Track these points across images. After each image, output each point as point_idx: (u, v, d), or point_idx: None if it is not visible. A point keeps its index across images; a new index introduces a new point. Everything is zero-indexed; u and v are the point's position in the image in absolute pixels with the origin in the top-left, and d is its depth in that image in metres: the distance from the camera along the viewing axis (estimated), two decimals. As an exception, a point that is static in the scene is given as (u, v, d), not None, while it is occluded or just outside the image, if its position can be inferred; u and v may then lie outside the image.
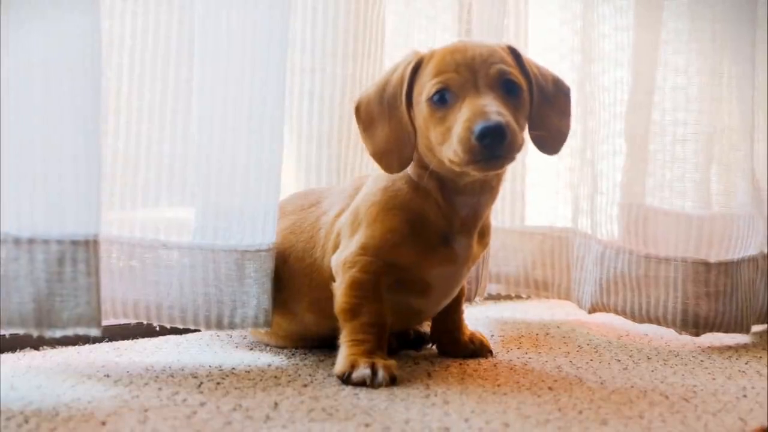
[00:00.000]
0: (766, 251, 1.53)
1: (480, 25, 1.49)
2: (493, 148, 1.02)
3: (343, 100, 1.41)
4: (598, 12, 1.52)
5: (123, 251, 1.17)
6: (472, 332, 1.29)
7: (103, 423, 0.90)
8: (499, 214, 1.64)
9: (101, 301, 1.04)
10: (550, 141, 1.16)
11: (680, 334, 1.45)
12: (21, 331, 1.02)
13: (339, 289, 1.14)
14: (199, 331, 1.34)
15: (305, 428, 0.90)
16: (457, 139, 1.04)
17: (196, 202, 1.19)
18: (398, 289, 1.16)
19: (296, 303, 1.22)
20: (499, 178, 1.16)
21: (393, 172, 1.14)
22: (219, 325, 1.18)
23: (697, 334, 1.44)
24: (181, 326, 1.20)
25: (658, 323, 1.45)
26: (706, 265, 1.43)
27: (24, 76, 1.00)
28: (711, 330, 1.43)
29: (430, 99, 1.08)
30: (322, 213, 1.22)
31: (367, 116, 1.15)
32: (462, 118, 1.04)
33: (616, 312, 1.49)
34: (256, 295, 1.18)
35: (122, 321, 1.25)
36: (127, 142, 1.19)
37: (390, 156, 1.13)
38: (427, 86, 1.09)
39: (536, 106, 1.13)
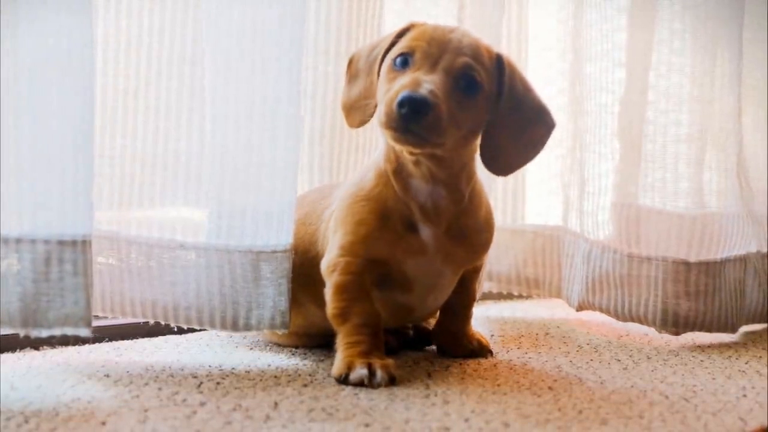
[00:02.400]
0: (764, 251, 1.53)
1: (476, 24, 1.49)
2: (408, 119, 1.02)
3: (335, 98, 1.41)
4: (593, 12, 1.51)
5: (141, 251, 1.18)
6: (472, 332, 1.29)
7: (103, 423, 0.90)
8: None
9: (91, 301, 1.04)
10: (504, 163, 1.16)
11: (660, 333, 1.46)
12: (7, 331, 1.02)
13: (327, 294, 1.14)
14: (201, 330, 1.34)
15: (305, 428, 0.90)
16: (385, 101, 1.05)
17: (211, 202, 1.19)
18: (383, 286, 1.16)
19: (302, 294, 1.22)
20: (450, 174, 1.13)
21: (353, 127, 1.17)
22: (235, 327, 1.19)
23: (677, 333, 1.44)
24: (197, 327, 1.20)
25: (640, 322, 1.46)
26: (687, 264, 1.43)
27: (12, 75, 0.99)
28: (692, 329, 1.44)
29: (393, 60, 1.10)
30: (326, 207, 1.23)
31: (354, 70, 1.18)
32: (398, 84, 1.05)
33: (601, 310, 1.49)
34: (272, 296, 1.18)
35: (137, 320, 1.26)
36: (145, 141, 1.20)
37: (355, 111, 1.16)
38: (396, 47, 1.10)
39: (501, 121, 1.12)
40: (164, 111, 1.20)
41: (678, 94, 1.48)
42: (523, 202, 1.68)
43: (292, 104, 1.18)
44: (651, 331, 1.50)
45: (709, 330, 1.44)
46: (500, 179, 1.64)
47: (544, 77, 1.65)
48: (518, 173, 1.65)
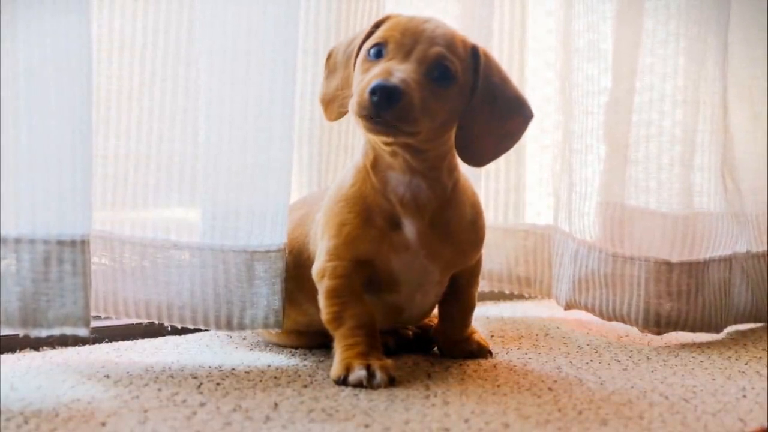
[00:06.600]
0: (753, 251, 1.54)
1: (470, 23, 1.50)
2: (379, 107, 1.02)
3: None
4: (590, 15, 1.51)
5: (135, 251, 1.18)
6: (472, 333, 1.29)
7: (103, 423, 0.90)
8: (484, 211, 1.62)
9: (90, 301, 1.04)
10: (478, 153, 1.15)
11: (642, 332, 1.47)
12: (7, 331, 1.03)
13: (320, 300, 1.14)
14: (201, 331, 1.34)
15: (305, 429, 0.90)
16: (358, 90, 1.05)
17: (205, 202, 1.19)
18: (371, 288, 1.16)
19: (299, 293, 1.22)
20: (430, 166, 1.13)
21: (331, 120, 1.18)
22: (229, 326, 1.19)
23: (659, 333, 1.45)
24: (191, 326, 1.20)
25: (623, 321, 1.46)
26: (668, 264, 1.44)
27: (11, 75, 0.99)
28: (674, 329, 1.44)
29: (368, 50, 1.10)
30: (318, 209, 1.23)
31: (332, 64, 1.19)
32: (371, 73, 1.05)
33: (587, 309, 1.50)
34: (266, 296, 1.19)
35: (133, 321, 1.26)
36: (139, 142, 1.20)
37: (333, 103, 1.16)
38: (371, 39, 1.11)
39: (476, 112, 1.12)
40: (158, 111, 1.20)
41: (663, 95, 1.48)
42: (523, 202, 1.68)
43: (286, 105, 1.18)
44: (650, 332, 1.51)
45: (693, 330, 1.45)
46: (500, 178, 1.64)
47: (543, 78, 1.65)
48: (517, 173, 1.65)
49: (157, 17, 1.20)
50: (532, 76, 1.65)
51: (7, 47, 0.99)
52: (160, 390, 1.04)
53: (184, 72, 1.21)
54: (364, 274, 1.14)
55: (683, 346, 1.42)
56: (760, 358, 1.33)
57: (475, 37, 1.32)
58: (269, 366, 1.18)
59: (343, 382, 1.08)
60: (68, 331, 1.02)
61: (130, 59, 1.19)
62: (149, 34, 1.19)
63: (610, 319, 1.48)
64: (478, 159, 1.16)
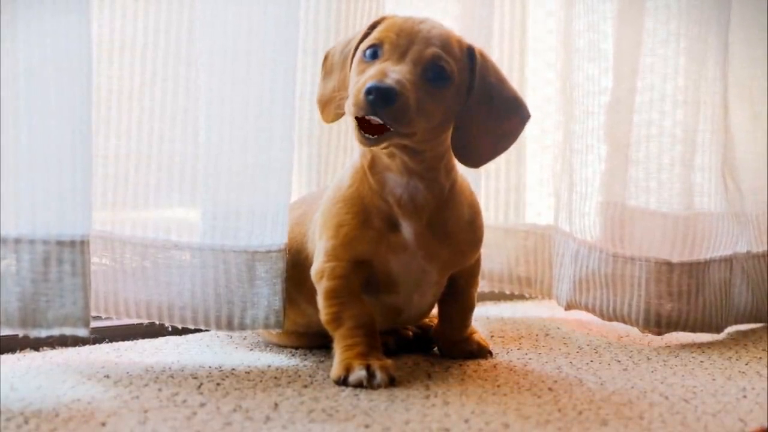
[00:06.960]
0: (753, 251, 1.54)
1: (470, 23, 1.50)
2: (374, 107, 1.02)
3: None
4: (590, 15, 1.51)
5: (136, 251, 1.18)
6: (472, 334, 1.29)
7: (103, 424, 0.90)
8: (484, 211, 1.62)
9: (90, 301, 1.04)
10: (475, 154, 1.15)
11: (643, 333, 1.47)
12: (7, 331, 1.03)
13: (319, 301, 1.14)
14: (201, 331, 1.34)
15: (305, 429, 0.90)
16: (353, 91, 1.05)
17: (206, 202, 1.19)
18: (369, 289, 1.16)
19: (297, 293, 1.22)
20: (427, 167, 1.13)
21: (328, 121, 1.18)
22: (230, 326, 1.19)
23: (659, 333, 1.45)
24: (192, 326, 1.20)
25: (624, 322, 1.46)
26: (669, 264, 1.44)
27: (11, 75, 0.99)
28: (675, 329, 1.45)
29: (363, 51, 1.10)
30: (317, 208, 1.23)
31: (329, 65, 1.19)
32: (366, 75, 1.05)
33: (587, 309, 1.50)
34: (267, 296, 1.19)
35: (133, 321, 1.26)
36: (139, 142, 1.20)
37: (329, 105, 1.16)
38: (367, 40, 1.11)
39: (473, 112, 1.12)
40: (159, 112, 1.20)
41: (663, 95, 1.48)
42: (523, 202, 1.68)
43: (287, 105, 1.19)
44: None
45: (693, 330, 1.45)
46: (500, 178, 1.64)
47: (544, 78, 1.65)
48: (518, 173, 1.65)
49: (158, 17, 1.20)
50: (532, 77, 1.65)
51: (7, 47, 0.99)
52: (160, 390, 1.04)
53: (185, 72, 1.21)
54: (363, 274, 1.14)
55: (683, 346, 1.42)
56: (760, 358, 1.33)
57: (475, 38, 1.32)
58: (269, 366, 1.18)
59: (343, 382, 1.08)
60: (68, 331, 1.02)
61: (131, 59, 1.19)
62: (150, 34, 1.19)
63: (610, 320, 1.48)
64: (476, 159, 1.16)
